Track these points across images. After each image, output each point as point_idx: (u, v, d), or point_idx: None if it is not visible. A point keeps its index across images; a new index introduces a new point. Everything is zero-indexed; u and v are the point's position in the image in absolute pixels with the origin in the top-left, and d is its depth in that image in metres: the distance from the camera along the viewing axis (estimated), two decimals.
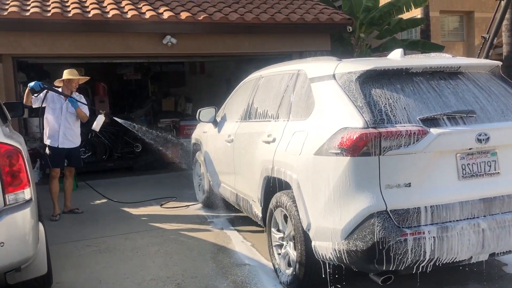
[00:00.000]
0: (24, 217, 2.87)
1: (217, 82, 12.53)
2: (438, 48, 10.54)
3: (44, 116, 5.76)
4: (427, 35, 12.48)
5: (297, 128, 3.53)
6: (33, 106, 5.76)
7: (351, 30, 9.32)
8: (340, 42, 10.72)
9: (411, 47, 10.77)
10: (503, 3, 7.69)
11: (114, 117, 7.07)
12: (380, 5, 10.68)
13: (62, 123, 5.74)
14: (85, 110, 5.90)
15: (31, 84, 5.50)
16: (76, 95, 5.88)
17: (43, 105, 5.67)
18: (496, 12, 7.93)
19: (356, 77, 3.16)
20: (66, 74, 5.86)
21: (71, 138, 5.84)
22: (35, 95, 5.59)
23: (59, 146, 5.75)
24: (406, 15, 11.48)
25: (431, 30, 12.69)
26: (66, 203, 6.08)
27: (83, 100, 5.97)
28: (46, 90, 5.62)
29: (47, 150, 5.80)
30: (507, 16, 9.03)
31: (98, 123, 5.97)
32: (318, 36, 9.24)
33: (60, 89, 5.82)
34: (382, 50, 10.53)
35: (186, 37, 8.38)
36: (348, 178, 2.92)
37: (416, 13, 12.62)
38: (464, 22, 15.50)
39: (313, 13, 9.11)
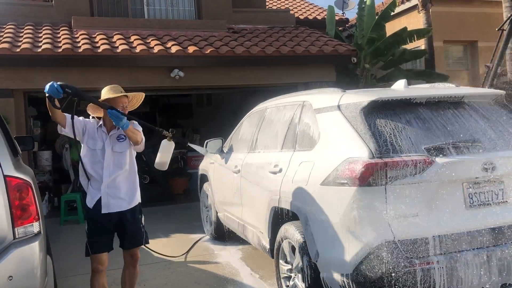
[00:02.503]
0: (33, 251, 2.88)
1: (223, 114, 12.65)
2: (443, 78, 10.60)
3: (82, 164, 3.48)
4: (432, 65, 12.56)
5: (303, 159, 3.55)
6: (61, 132, 3.48)
7: (355, 61, 9.43)
8: (345, 73, 10.84)
9: (416, 77, 10.85)
10: (505, 32, 7.79)
11: (189, 144, 4.57)
12: (385, 36, 10.84)
13: (105, 172, 3.43)
14: (139, 128, 3.53)
15: (47, 88, 3.12)
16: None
17: (75, 137, 3.40)
18: (499, 42, 8.03)
19: (360, 107, 3.20)
20: (108, 92, 3.53)
21: (121, 194, 3.47)
22: (57, 105, 3.23)
23: (102, 211, 3.41)
24: (410, 45, 11.60)
25: (435, 59, 12.78)
26: None
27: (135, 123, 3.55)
28: (71, 97, 3.22)
29: (85, 224, 3.51)
30: (510, 45, 9.11)
31: (164, 155, 3.53)
32: (323, 68, 9.36)
33: (98, 121, 3.58)
34: (387, 80, 10.61)
35: (193, 70, 8.54)
36: (355, 209, 2.92)
37: (420, 43, 12.75)
38: (468, 51, 15.61)
39: (318, 45, 9.26)
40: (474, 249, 2.93)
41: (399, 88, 3.66)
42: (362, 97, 3.31)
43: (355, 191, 2.92)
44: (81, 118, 3.56)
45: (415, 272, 2.79)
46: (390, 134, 3.05)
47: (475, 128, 3.22)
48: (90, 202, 3.44)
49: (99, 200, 3.42)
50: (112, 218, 3.44)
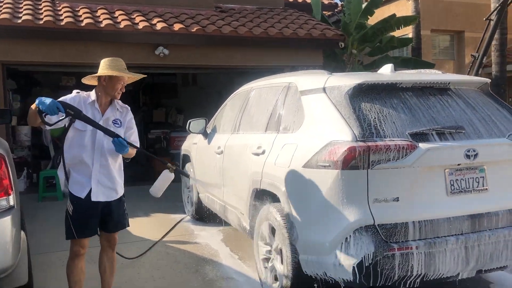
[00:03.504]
0: (5, 225, 2.80)
1: (208, 94, 12.53)
2: (429, 66, 10.63)
3: (65, 147, 3.13)
4: (418, 53, 12.60)
5: (286, 141, 3.51)
6: (45, 129, 3.31)
7: (343, 46, 9.38)
8: (332, 58, 10.80)
9: (403, 64, 10.86)
10: (492, 22, 7.79)
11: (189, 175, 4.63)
12: (373, 22, 10.80)
13: (96, 157, 3.13)
14: (136, 139, 3.37)
15: (44, 102, 2.79)
16: (119, 106, 3.27)
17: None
18: (486, 32, 8.04)
19: (346, 90, 3.16)
20: (106, 66, 3.14)
21: (111, 183, 3.22)
22: (49, 121, 2.98)
23: (92, 199, 3.14)
24: (398, 33, 11.60)
25: (422, 48, 12.81)
26: None
27: (131, 119, 3.36)
28: (69, 117, 2.95)
29: (68, 205, 3.18)
30: (496, 36, 9.15)
31: (163, 184, 3.36)
32: (310, 51, 9.29)
33: (88, 97, 3.18)
34: (374, 67, 10.61)
35: (179, 48, 8.38)
36: (336, 192, 2.90)
37: (408, 31, 12.76)
38: (454, 41, 15.70)
39: (306, 28, 9.17)
40: (453, 235, 2.94)
41: (386, 73, 3.62)
42: (348, 80, 3.27)
43: (336, 174, 2.89)
44: (67, 100, 3.07)
45: (393, 256, 2.79)
46: (375, 118, 3.02)
47: (459, 115, 3.21)
48: (80, 192, 3.11)
49: (87, 188, 3.13)
50: (100, 204, 3.19)
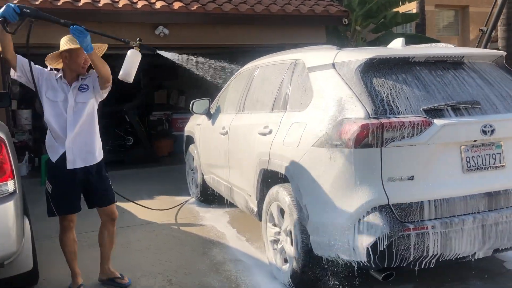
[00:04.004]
0: (7, 210, 2.72)
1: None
2: (434, 42, 10.45)
3: (44, 117, 3.30)
4: (423, 29, 12.40)
5: (294, 120, 3.40)
6: (13, 77, 3.27)
7: (347, 22, 9.18)
8: (335, 35, 10.59)
9: (407, 41, 10.66)
10: None
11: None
12: None
13: (69, 126, 3.24)
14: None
15: (1, 10, 2.88)
16: (84, 76, 3.37)
17: (35, 89, 3.20)
18: (494, 6, 7.84)
19: (357, 66, 3.03)
20: (64, 43, 3.27)
21: (87, 149, 3.32)
22: (9, 30, 2.95)
23: (68, 167, 3.26)
24: (401, 9, 11.37)
25: (426, 24, 12.59)
26: (103, 266, 3.65)
27: (96, 76, 3.33)
28: (28, 19, 3.00)
29: (47, 185, 3.38)
30: (504, 10, 8.93)
31: (130, 65, 3.21)
32: (313, 28, 9.09)
33: (57, 73, 3.34)
34: (379, 44, 10.41)
35: (179, 27, 8.20)
36: (349, 171, 2.80)
37: (411, 7, 12.53)
38: (459, 16, 15.44)
39: (308, 5, 8.96)
40: (469, 214, 2.85)
41: (397, 47, 3.49)
42: (358, 55, 3.13)
43: (349, 152, 2.79)
44: (37, 66, 3.26)
45: (409, 237, 2.70)
46: (387, 94, 2.90)
47: (474, 90, 3.08)
48: (54, 156, 3.26)
49: (64, 156, 3.24)
50: (77, 175, 3.28)
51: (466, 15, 15.19)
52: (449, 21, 15.56)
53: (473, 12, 15.00)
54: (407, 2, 10.48)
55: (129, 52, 3.20)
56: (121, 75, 3.24)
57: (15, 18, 2.87)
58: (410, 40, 10.70)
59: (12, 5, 2.84)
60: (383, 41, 10.52)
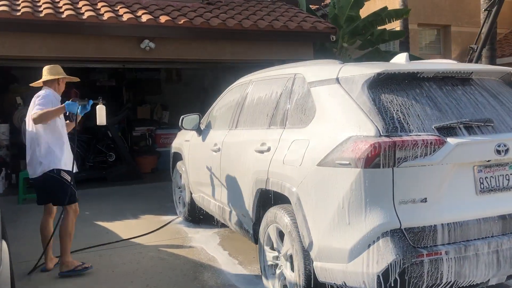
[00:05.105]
0: None
1: (194, 91, 12.17)
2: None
3: (49, 133, 4.10)
4: (407, 47, 12.45)
5: (295, 137, 3.22)
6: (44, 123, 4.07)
7: (334, 39, 9.12)
8: (322, 52, 10.51)
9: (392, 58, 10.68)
10: (493, 11, 7.58)
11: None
12: (363, 15, 10.57)
13: (65, 134, 4.28)
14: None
15: (80, 109, 4.07)
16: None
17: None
18: (484, 23, 7.86)
19: (364, 81, 2.88)
20: (52, 72, 4.29)
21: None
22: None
23: (74, 171, 4.22)
24: (386, 27, 11.39)
25: (409, 42, 12.67)
26: (64, 258, 4.09)
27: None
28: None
29: (65, 176, 4.08)
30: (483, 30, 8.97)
31: (101, 114, 4.26)
32: (300, 45, 9.01)
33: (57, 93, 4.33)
34: (365, 61, 10.38)
35: (165, 41, 8.00)
36: (358, 192, 2.62)
37: (395, 25, 12.58)
38: (441, 35, 15.61)
39: (296, 21, 8.89)
40: (483, 238, 2.69)
41: (401, 62, 3.36)
42: (364, 69, 2.98)
43: (358, 173, 2.61)
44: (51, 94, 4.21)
45: (422, 263, 2.52)
46: (397, 111, 2.75)
47: (485, 107, 2.95)
48: (71, 166, 4.14)
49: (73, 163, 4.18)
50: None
51: (448, 34, 15.39)
52: (431, 39, 15.73)
53: (454, 31, 15.20)
54: (393, 20, 10.52)
55: (97, 107, 4.24)
56: (98, 123, 4.26)
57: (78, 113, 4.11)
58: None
59: (75, 104, 4.06)
60: (369, 58, 10.50)
